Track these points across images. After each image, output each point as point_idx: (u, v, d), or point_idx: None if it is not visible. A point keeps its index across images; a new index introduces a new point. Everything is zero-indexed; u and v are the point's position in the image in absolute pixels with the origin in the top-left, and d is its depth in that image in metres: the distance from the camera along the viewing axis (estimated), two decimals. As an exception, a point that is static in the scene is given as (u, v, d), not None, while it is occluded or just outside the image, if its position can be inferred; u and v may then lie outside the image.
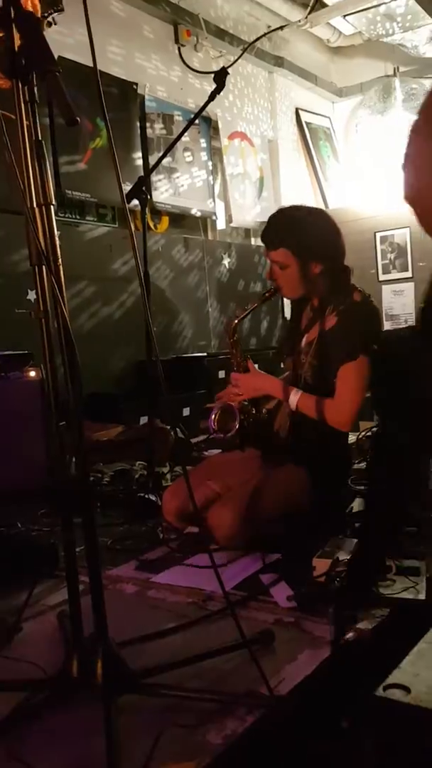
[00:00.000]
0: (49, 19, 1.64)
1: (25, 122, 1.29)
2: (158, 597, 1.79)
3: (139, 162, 4.79)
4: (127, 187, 4.65)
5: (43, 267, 1.34)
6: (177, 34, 5.10)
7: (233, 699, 1.27)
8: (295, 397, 2.12)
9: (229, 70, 2.59)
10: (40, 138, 1.27)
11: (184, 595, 1.77)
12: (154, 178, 4.88)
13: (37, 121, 1.28)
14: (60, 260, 1.32)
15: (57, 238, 1.32)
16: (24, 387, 2.99)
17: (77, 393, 1.34)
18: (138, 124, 4.79)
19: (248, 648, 1.32)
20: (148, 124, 4.87)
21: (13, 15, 1.20)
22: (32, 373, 3.04)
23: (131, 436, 3.27)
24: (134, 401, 3.92)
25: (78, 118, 1.17)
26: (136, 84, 4.73)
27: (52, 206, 1.31)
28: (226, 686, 1.33)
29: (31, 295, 3.93)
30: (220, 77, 2.48)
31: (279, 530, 1.99)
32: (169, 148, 2.95)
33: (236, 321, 2.30)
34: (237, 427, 2.21)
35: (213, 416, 2.28)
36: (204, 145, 5.39)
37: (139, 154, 4.79)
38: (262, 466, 2.24)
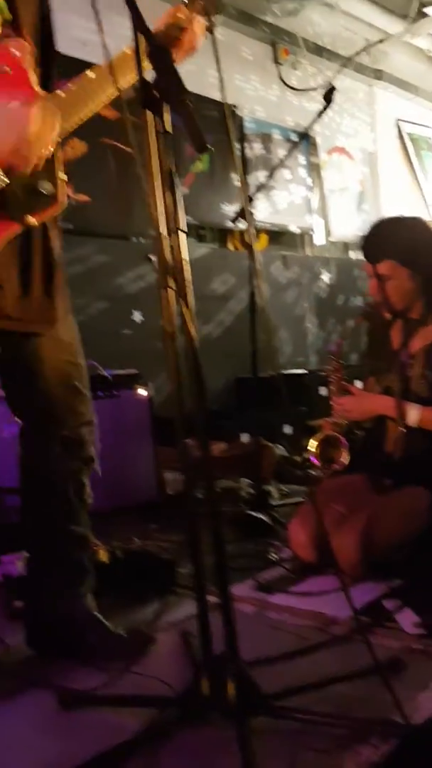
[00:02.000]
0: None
1: (156, 152, 1.33)
2: (278, 619, 1.78)
3: (237, 182, 4.85)
4: (227, 207, 4.78)
5: (171, 290, 1.37)
6: (275, 53, 5.16)
7: (368, 726, 1.24)
8: (416, 412, 2.06)
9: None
10: (172, 168, 1.30)
11: (305, 618, 1.75)
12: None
13: (169, 151, 1.31)
14: (190, 284, 1.36)
15: (187, 263, 1.35)
16: (134, 405, 3.07)
17: (204, 411, 1.37)
18: (237, 145, 4.86)
19: (381, 674, 1.29)
20: (246, 145, 4.94)
21: (147, 48, 1.25)
22: (141, 392, 3.11)
23: (235, 453, 3.28)
24: (235, 418, 3.94)
25: (210, 146, 1.20)
26: (236, 106, 4.81)
27: (182, 232, 1.34)
28: (357, 712, 1.31)
29: (136, 316, 4.06)
30: (329, 94, 2.48)
31: (402, 555, 1.93)
32: (272, 173, 2.98)
33: (341, 343, 2.30)
34: (346, 461, 2.16)
35: (314, 449, 2.22)
36: (302, 161, 5.40)
37: (235, 174, 4.85)
38: (375, 488, 2.19)
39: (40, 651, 1.67)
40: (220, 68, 1.31)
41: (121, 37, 1.36)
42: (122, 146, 4.06)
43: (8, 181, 1.34)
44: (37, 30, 1.52)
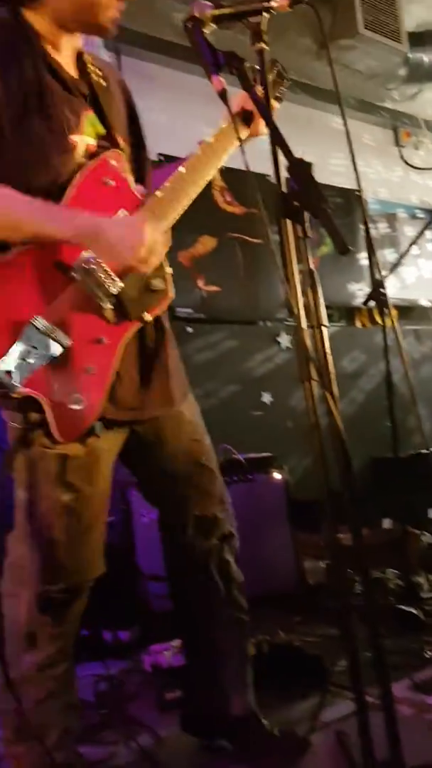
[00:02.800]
0: (278, 94, 1.79)
1: (294, 253, 1.39)
2: (440, 722, 1.67)
3: (365, 262, 4.89)
4: (353, 286, 4.83)
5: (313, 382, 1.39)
6: (397, 137, 5.26)
7: None
8: None
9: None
10: (312, 268, 1.36)
11: (470, 723, 1.63)
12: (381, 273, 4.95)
13: (309, 253, 1.37)
14: (333, 376, 1.38)
15: (330, 356, 1.38)
16: (270, 489, 3.05)
17: (355, 503, 1.36)
18: (361, 226, 4.94)
19: None
20: (371, 225, 5.00)
21: (287, 163, 1.33)
22: (276, 475, 3.10)
23: (377, 540, 3.16)
24: (373, 502, 3.80)
25: (350, 248, 1.24)
26: (359, 190, 4.92)
27: (324, 327, 1.37)
28: None
29: (266, 397, 4.12)
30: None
31: None
32: (404, 255, 2.99)
33: None
34: None
35: None
36: (430, 236, 5.37)
37: (364, 254, 4.91)
38: None
39: (195, 736, 1.66)
40: (355, 161, 1.37)
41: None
42: (249, 239, 4.26)
43: (123, 285, 1.42)
44: (128, 133, 1.63)
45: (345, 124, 1.64)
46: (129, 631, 2.48)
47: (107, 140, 1.52)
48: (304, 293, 1.38)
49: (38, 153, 1.39)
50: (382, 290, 2.99)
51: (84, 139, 1.47)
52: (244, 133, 1.69)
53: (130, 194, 1.51)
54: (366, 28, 4.22)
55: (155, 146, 1.90)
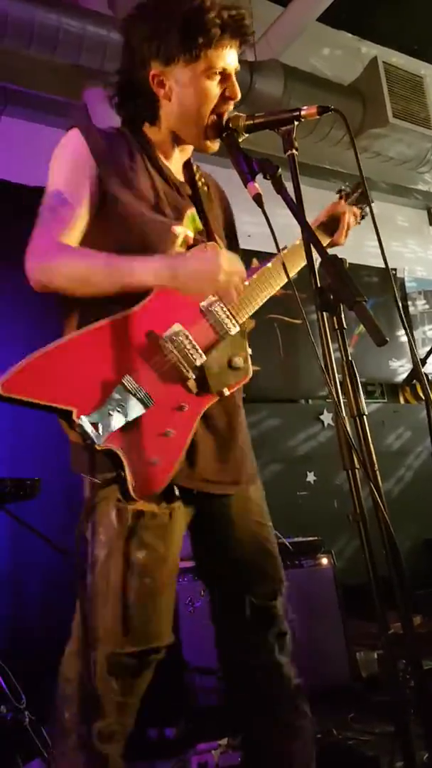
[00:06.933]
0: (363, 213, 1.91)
1: (329, 346, 1.41)
2: None
3: (403, 339, 4.91)
4: (394, 363, 4.83)
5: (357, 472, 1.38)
6: (430, 216, 5.38)
7: None
8: None
9: None
10: (350, 359, 1.38)
11: None
12: (422, 350, 4.95)
13: (347, 344, 1.39)
14: (376, 466, 1.37)
15: (371, 445, 1.37)
16: (318, 575, 2.97)
17: (405, 593, 1.32)
18: (399, 303, 4.98)
19: None
20: (409, 302, 5.05)
21: (321, 260, 1.38)
22: (324, 560, 3.03)
23: (433, 627, 3.03)
24: (427, 585, 3.67)
25: (387, 339, 1.26)
26: (395, 269, 4.99)
27: (365, 416, 1.38)
28: None
29: (310, 477, 4.07)
30: None
31: None
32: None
33: None
34: None
35: None
36: (469, 311, 5.40)
37: (401, 331, 4.93)
38: None
39: None
40: (380, 238, 1.41)
41: (281, 225, 1.53)
42: (287, 319, 4.34)
43: (206, 358, 1.49)
44: (225, 233, 1.76)
45: (370, 207, 1.70)
46: (175, 728, 2.39)
47: (204, 235, 1.65)
48: (343, 383, 1.39)
49: (144, 240, 1.52)
50: (421, 367, 2.99)
51: (184, 231, 1.60)
52: (326, 240, 1.82)
53: None
54: (396, 117, 4.40)
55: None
